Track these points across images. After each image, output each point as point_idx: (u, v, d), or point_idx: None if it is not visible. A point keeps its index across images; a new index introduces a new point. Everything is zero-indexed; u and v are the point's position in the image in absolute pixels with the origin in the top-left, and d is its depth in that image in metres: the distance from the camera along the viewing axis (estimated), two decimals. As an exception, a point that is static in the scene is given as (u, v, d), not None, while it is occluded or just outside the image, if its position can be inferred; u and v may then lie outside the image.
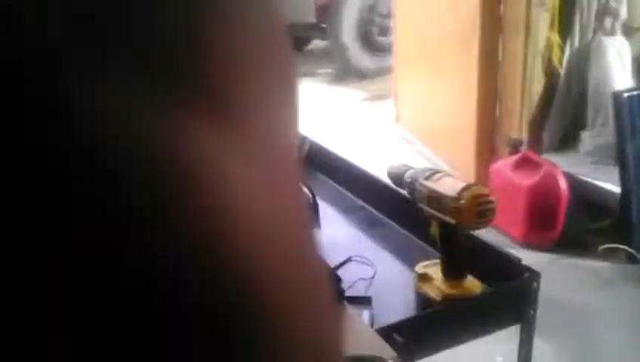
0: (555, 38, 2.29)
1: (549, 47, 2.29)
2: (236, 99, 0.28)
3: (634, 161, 2.07)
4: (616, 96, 2.05)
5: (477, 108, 2.48)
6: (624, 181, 2.08)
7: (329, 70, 5.02)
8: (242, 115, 0.28)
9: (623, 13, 2.26)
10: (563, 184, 2.12)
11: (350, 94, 4.48)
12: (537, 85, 2.33)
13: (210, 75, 0.27)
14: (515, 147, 2.31)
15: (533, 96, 2.34)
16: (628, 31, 2.31)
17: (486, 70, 2.43)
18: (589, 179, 2.23)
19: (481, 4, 2.34)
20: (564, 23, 2.28)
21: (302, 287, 0.29)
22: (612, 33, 2.26)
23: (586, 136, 2.31)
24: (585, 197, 2.25)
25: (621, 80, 2.26)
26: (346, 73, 4.80)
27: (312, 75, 5.05)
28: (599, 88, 2.26)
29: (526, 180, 2.17)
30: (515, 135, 2.36)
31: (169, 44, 0.26)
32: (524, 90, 2.34)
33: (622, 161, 2.07)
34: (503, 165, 2.27)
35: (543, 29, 2.27)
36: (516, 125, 2.40)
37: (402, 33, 3.31)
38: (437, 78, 2.89)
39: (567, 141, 2.39)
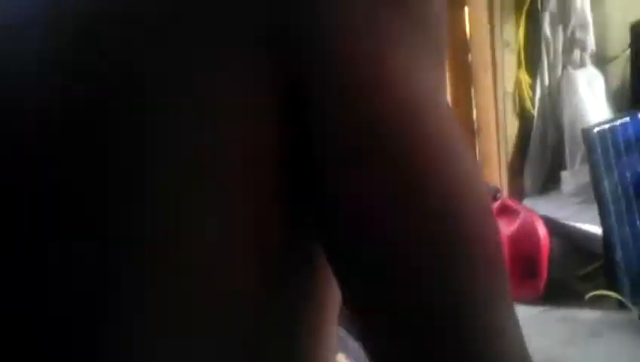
0: (525, 77, 2.18)
1: (518, 87, 2.19)
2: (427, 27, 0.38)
3: (612, 198, 1.94)
4: (586, 132, 1.93)
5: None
6: (604, 221, 1.95)
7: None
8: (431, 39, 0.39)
9: (591, 43, 2.14)
10: (542, 231, 2.00)
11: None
12: (511, 128, 2.23)
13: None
14: (493, 195, 2.20)
15: (508, 140, 2.23)
16: (601, 61, 2.19)
17: (460, 119, 2.33)
18: (572, 223, 2.10)
19: (449, 54, 2.26)
20: (532, 60, 2.17)
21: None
22: (582, 65, 2.14)
23: (566, 175, 2.19)
24: (570, 242, 2.12)
25: (596, 113, 2.14)
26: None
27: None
28: (574, 124, 2.14)
29: (503, 230, 2.05)
30: (493, 182, 2.25)
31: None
32: (499, 134, 2.24)
33: (600, 200, 1.94)
34: (482, 215, 2.15)
35: (511, 69, 2.17)
36: (495, 171, 2.29)
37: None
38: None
39: (550, 182, 2.27)
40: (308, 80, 0.36)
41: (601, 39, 2.18)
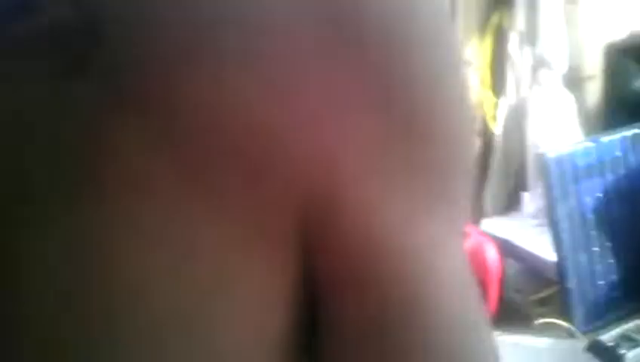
0: (488, 95, 2.14)
1: (481, 106, 2.15)
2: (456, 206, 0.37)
3: (568, 225, 1.90)
4: (541, 157, 1.89)
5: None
6: (558, 248, 1.91)
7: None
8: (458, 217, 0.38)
9: (562, 63, 2.10)
10: (491, 256, 1.96)
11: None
12: (473, 147, 2.19)
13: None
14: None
15: (470, 158, 2.20)
16: (573, 81, 2.14)
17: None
18: (531, 245, 2.06)
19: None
20: (497, 79, 2.14)
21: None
22: (550, 86, 2.10)
23: (527, 197, 2.15)
24: (525, 266, 2.08)
25: (564, 134, 2.10)
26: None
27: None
28: (539, 145, 2.10)
29: (454, 252, 2.02)
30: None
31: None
32: (461, 151, 2.20)
33: (554, 227, 1.90)
34: (438, 233, 2.12)
35: (473, 88, 2.13)
36: (457, 189, 2.25)
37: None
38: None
39: (513, 203, 2.23)
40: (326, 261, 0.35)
41: (574, 60, 2.13)
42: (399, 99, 0.33)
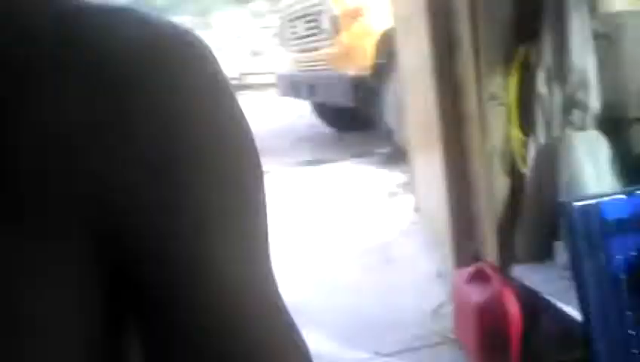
0: (516, 133, 1.98)
1: (508, 143, 1.99)
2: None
3: (594, 283, 1.72)
4: (565, 206, 1.72)
5: (449, 209, 2.21)
6: (584, 309, 1.73)
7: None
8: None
9: (594, 104, 1.91)
10: (513, 307, 1.82)
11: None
12: (501, 187, 2.03)
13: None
14: (475, 256, 2.02)
15: (497, 199, 2.04)
16: (610, 125, 1.96)
17: (452, 171, 2.16)
18: (556, 302, 1.89)
19: (437, 100, 2.09)
20: (525, 117, 1.97)
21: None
22: (582, 128, 1.92)
23: (560, 246, 1.98)
24: (553, 322, 1.91)
25: (595, 181, 1.92)
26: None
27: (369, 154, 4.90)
28: (571, 191, 1.92)
29: (475, 297, 1.89)
30: (477, 242, 2.07)
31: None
32: (488, 192, 2.05)
33: (579, 285, 1.73)
34: (462, 276, 1.98)
35: (499, 124, 1.98)
36: (484, 231, 2.10)
37: (411, 119, 3.09)
38: (432, 168, 2.63)
39: (545, 251, 2.06)
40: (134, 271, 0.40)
41: (610, 102, 1.94)
42: (172, 153, 0.38)
